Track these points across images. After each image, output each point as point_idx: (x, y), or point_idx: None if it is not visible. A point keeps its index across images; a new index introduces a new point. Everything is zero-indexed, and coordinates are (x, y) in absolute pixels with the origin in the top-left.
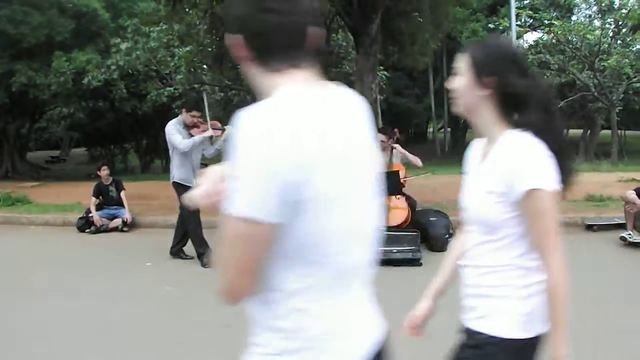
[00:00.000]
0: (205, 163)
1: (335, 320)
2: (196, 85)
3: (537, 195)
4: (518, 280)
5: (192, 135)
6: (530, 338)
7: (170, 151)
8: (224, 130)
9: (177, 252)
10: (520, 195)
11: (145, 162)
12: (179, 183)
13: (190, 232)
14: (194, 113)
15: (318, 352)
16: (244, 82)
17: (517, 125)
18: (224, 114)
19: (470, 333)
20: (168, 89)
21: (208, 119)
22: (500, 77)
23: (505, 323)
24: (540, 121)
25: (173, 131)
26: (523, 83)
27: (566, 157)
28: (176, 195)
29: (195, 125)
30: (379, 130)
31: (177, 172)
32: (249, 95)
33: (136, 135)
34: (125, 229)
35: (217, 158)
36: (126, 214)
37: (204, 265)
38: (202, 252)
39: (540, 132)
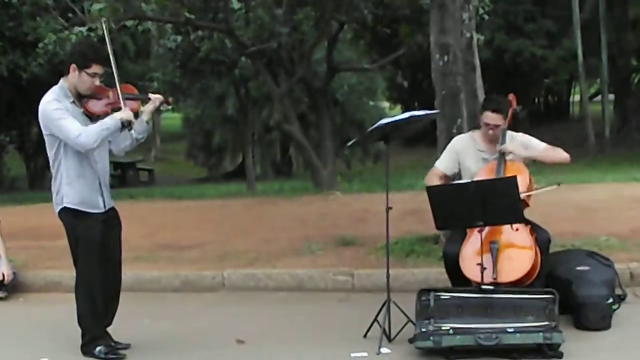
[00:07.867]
0: (120, 162)
1: None
2: (129, 22)
3: None
4: None
5: (89, 115)
6: None
7: (52, 152)
8: (144, 100)
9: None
10: None
11: (36, 168)
12: (73, 210)
13: (77, 298)
14: (95, 69)
15: None
16: (218, 14)
17: None
18: (182, 74)
19: None
20: (78, 29)
21: (117, 81)
22: None
23: None
24: None
25: (59, 112)
26: None
27: None
28: (66, 230)
29: (93, 95)
30: (487, 105)
31: (68, 189)
32: (228, 39)
33: (19, 119)
34: (0, 294)
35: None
36: (2, 267)
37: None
38: (85, 342)
39: None
